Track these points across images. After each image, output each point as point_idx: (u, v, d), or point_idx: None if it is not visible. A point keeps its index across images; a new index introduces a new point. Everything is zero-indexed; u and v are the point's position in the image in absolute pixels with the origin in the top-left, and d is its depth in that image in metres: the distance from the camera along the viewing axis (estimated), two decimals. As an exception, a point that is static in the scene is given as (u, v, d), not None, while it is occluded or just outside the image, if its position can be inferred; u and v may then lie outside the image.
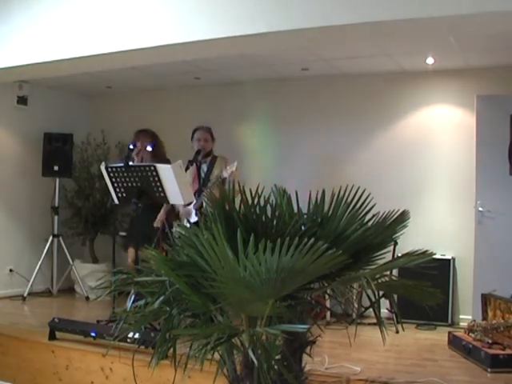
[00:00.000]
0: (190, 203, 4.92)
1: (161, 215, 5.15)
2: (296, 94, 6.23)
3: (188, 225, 4.72)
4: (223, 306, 2.38)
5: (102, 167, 4.68)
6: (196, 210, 4.99)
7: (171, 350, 2.52)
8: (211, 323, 2.42)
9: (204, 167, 5.23)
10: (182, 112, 6.71)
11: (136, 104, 6.99)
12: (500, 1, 3.02)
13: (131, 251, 5.15)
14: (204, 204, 4.73)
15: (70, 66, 4.54)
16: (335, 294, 2.75)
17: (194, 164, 5.20)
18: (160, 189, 4.47)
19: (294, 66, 5.75)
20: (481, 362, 3.84)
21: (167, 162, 4.90)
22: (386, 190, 5.37)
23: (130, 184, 4.58)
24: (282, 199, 2.64)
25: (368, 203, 2.61)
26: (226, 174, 4.81)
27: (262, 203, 2.57)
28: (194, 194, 4.99)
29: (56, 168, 6.43)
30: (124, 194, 4.66)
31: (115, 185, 4.65)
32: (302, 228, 2.56)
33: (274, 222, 2.56)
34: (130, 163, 4.77)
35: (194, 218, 4.94)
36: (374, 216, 2.64)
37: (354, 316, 5.29)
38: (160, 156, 5.19)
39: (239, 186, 2.65)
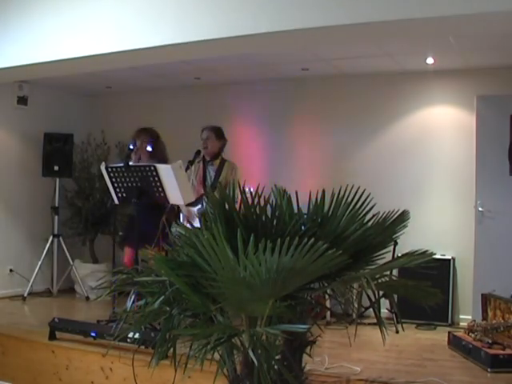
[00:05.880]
0: (191, 204, 4.90)
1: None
2: (296, 93, 6.23)
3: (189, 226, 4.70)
4: (223, 306, 2.38)
5: (102, 167, 4.68)
6: (200, 215, 4.94)
7: (171, 349, 2.52)
8: (211, 323, 2.43)
9: (211, 171, 5.20)
10: (181, 112, 6.71)
11: (136, 104, 6.99)
12: (500, 1, 3.02)
13: (127, 250, 5.15)
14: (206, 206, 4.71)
15: (70, 66, 4.54)
16: (335, 294, 2.76)
17: (201, 164, 5.18)
18: (160, 189, 4.47)
19: (294, 65, 5.75)
20: (481, 362, 3.84)
21: (165, 162, 4.86)
22: (386, 190, 5.37)
23: (130, 184, 4.58)
24: (282, 199, 2.64)
25: (368, 203, 2.62)
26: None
27: (261, 203, 2.57)
28: (198, 199, 4.97)
29: (56, 168, 6.43)
30: (124, 194, 4.66)
31: (115, 185, 4.65)
32: (302, 228, 2.56)
33: (274, 222, 2.56)
34: (130, 163, 4.77)
35: (197, 223, 4.90)
36: (374, 216, 2.64)
37: (354, 316, 5.29)
38: (159, 156, 5.11)
39: (239, 185, 2.65)
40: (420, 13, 3.18)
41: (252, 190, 4.46)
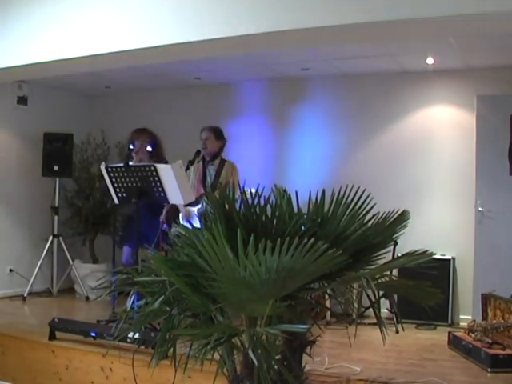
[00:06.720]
0: (191, 204, 4.91)
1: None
2: (296, 94, 6.23)
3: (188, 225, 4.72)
4: (223, 306, 2.38)
5: (102, 167, 4.68)
6: (200, 214, 4.95)
7: (171, 349, 2.52)
8: (211, 323, 2.43)
9: (211, 170, 5.21)
10: (182, 112, 6.71)
11: (136, 104, 6.99)
12: (500, 1, 3.02)
13: (126, 250, 5.15)
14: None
15: (70, 66, 4.54)
16: (335, 294, 2.76)
17: (201, 163, 5.19)
18: (160, 189, 4.47)
19: (294, 65, 5.75)
20: (481, 362, 3.84)
21: (165, 162, 4.87)
22: (386, 190, 5.37)
23: (130, 184, 4.59)
24: (282, 199, 2.64)
25: (368, 203, 2.62)
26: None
27: (262, 203, 2.57)
28: (198, 199, 4.98)
29: (56, 168, 6.43)
30: (124, 194, 4.67)
31: (115, 185, 4.66)
32: (302, 228, 2.56)
33: (274, 222, 2.56)
34: (130, 163, 4.77)
35: (197, 224, 4.91)
36: (373, 216, 2.64)
37: (354, 316, 5.29)
38: (158, 156, 5.15)
39: (239, 186, 2.66)
40: (420, 13, 3.18)
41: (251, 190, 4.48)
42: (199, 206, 4.97)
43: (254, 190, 4.45)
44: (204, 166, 5.24)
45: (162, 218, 5.07)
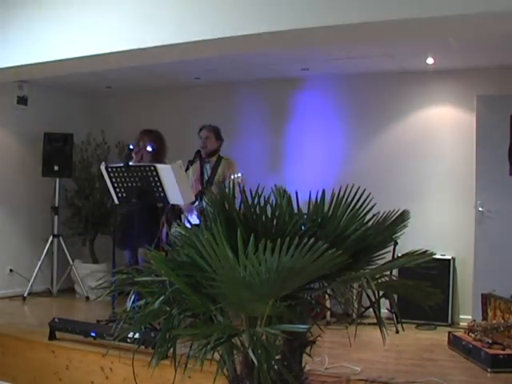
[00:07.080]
0: (192, 202, 4.92)
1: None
2: (296, 93, 6.23)
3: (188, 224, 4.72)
4: (223, 306, 2.38)
5: (102, 167, 4.68)
6: (198, 212, 4.96)
7: (171, 349, 2.52)
8: (211, 323, 2.43)
9: (208, 168, 5.23)
10: (182, 112, 6.71)
11: (136, 104, 6.99)
12: (500, 1, 3.02)
13: (128, 253, 5.14)
14: (205, 205, 4.74)
15: (71, 66, 4.54)
16: (335, 294, 2.76)
17: (198, 162, 5.20)
18: (160, 189, 4.48)
19: (294, 66, 5.75)
20: (481, 362, 3.84)
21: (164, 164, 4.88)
22: (387, 190, 5.37)
23: (130, 184, 4.59)
24: (282, 199, 2.64)
25: (368, 203, 2.62)
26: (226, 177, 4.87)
27: (262, 203, 2.57)
28: (196, 196, 4.99)
29: (56, 168, 6.42)
30: (124, 194, 4.67)
31: (115, 185, 4.66)
32: (302, 228, 2.56)
33: (274, 222, 2.57)
34: (130, 163, 4.77)
35: (195, 221, 4.93)
36: (374, 216, 2.65)
37: (354, 316, 5.29)
38: (160, 158, 5.16)
39: (238, 185, 2.66)
40: (420, 13, 3.18)
41: (238, 176, 4.49)
42: (197, 203, 4.98)
43: (239, 174, 4.47)
44: (201, 164, 5.25)
45: (163, 218, 5.06)
